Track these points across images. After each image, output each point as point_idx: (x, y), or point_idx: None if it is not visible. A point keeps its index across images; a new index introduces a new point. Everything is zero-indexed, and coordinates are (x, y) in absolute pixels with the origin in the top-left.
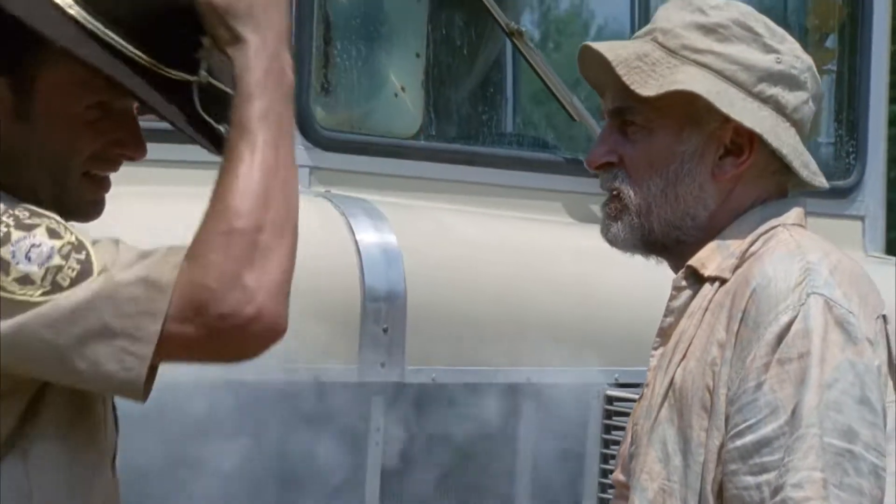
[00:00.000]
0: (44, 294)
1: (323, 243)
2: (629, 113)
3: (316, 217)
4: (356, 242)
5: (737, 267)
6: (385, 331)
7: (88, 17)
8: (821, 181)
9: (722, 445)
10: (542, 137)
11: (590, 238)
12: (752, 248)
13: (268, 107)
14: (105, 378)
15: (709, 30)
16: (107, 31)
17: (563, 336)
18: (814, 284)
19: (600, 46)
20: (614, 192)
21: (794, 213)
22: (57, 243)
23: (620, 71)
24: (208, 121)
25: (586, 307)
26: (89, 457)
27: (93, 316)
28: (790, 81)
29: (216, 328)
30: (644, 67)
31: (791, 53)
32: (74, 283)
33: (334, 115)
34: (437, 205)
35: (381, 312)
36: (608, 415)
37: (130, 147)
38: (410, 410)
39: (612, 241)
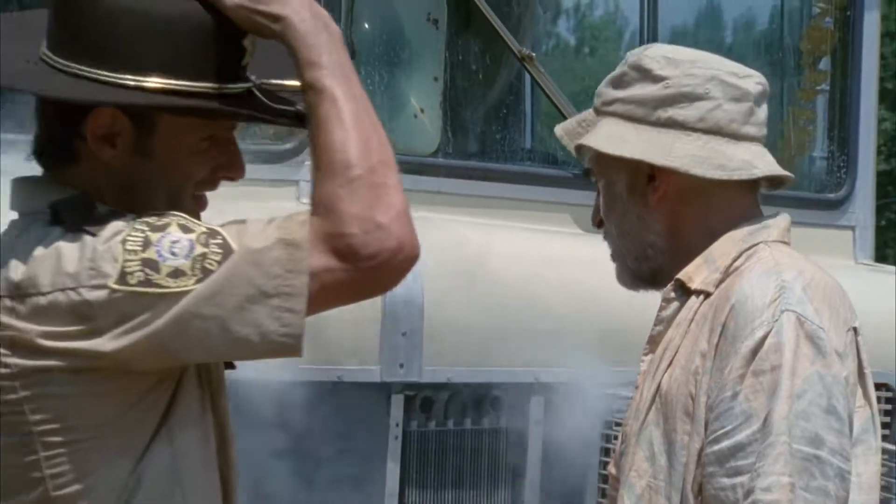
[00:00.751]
0: (197, 282)
1: None
2: (592, 173)
3: None
4: None
5: (720, 281)
6: (404, 335)
7: (149, 79)
8: (751, 173)
9: (702, 449)
10: (552, 154)
11: (596, 247)
12: (735, 264)
13: (328, 62)
14: (267, 339)
15: (616, 81)
16: (168, 81)
17: (571, 339)
18: (787, 302)
19: (564, 123)
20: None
21: (777, 230)
22: (192, 235)
23: (565, 141)
24: (282, 108)
25: (592, 312)
26: (215, 437)
27: (245, 284)
28: (684, 98)
29: (368, 268)
30: (581, 130)
31: (682, 75)
32: (221, 264)
33: None
34: (453, 217)
35: (401, 318)
36: (611, 413)
37: (233, 170)
38: (427, 408)
39: (621, 284)
